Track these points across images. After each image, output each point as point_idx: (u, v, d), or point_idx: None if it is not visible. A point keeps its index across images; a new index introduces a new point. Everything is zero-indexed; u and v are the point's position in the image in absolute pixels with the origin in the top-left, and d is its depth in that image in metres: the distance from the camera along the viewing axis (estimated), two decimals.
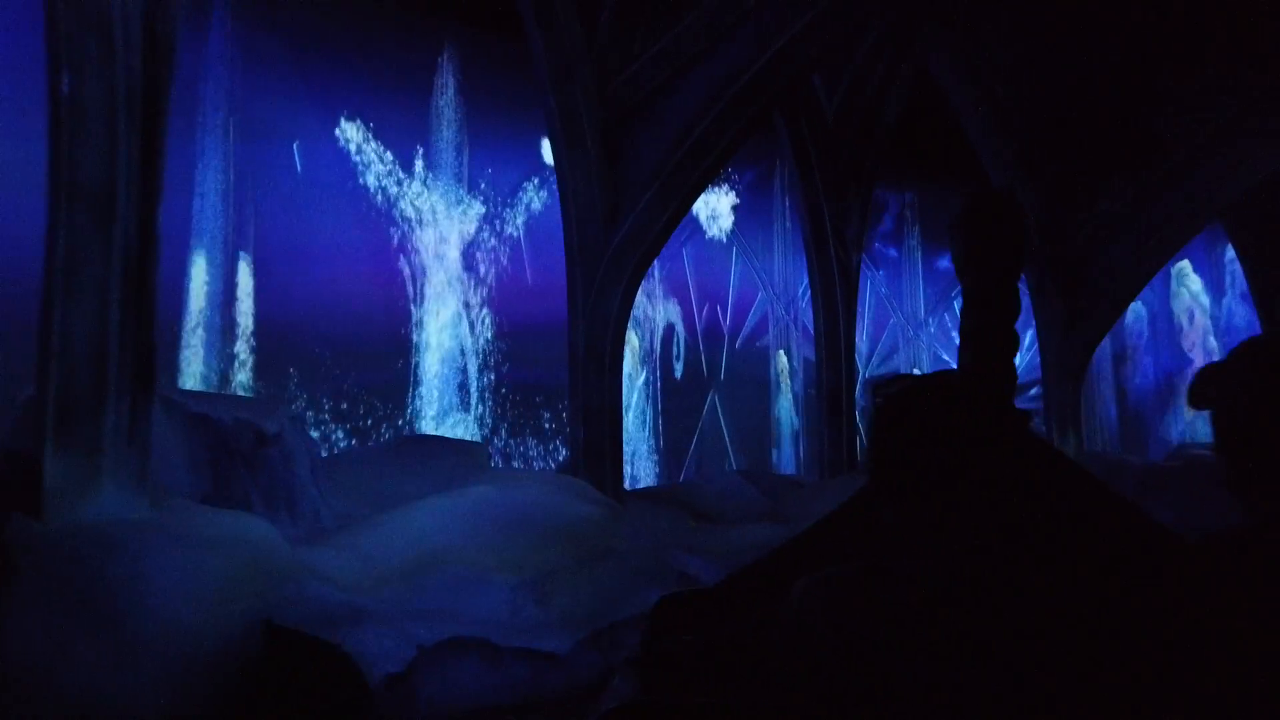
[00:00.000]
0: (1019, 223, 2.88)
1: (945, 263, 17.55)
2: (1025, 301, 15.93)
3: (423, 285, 10.44)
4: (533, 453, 10.82)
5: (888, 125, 11.09)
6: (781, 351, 15.40)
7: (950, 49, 11.81)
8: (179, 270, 8.12)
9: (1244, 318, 16.67)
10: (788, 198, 13.50)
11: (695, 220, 13.38)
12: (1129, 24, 11.06)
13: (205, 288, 8.43)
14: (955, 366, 3.04)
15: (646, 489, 9.76)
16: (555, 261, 7.95)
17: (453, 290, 10.62)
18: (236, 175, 9.22)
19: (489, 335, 10.72)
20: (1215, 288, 17.87)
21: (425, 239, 10.59)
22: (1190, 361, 17.55)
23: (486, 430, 10.46)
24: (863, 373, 17.37)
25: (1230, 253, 16.23)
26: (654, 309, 12.68)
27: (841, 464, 9.73)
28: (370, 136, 10.29)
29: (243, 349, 8.56)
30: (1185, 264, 17.72)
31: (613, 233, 7.36)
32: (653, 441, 12.57)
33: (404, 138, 10.66)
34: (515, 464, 10.32)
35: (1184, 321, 18.14)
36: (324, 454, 7.45)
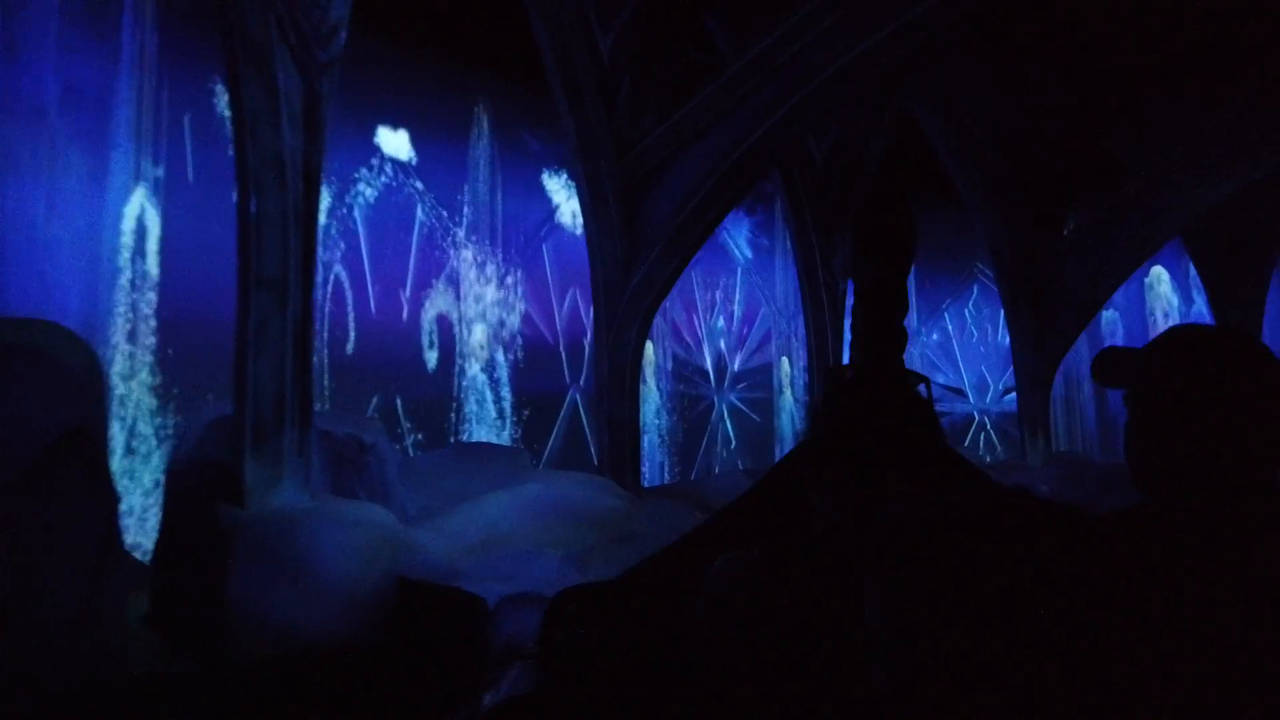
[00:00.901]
0: (909, 222, 2.93)
1: (936, 277, 19.27)
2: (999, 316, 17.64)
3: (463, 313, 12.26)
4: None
5: (871, 165, 12.79)
6: (785, 359, 17.14)
7: (928, 94, 13.48)
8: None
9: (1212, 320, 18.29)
10: (788, 228, 15.21)
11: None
12: (1092, 62, 12.63)
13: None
14: (923, 372, 3.08)
15: (661, 486, 11.54)
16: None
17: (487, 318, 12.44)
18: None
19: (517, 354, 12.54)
20: (1184, 294, 19.46)
21: (464, 273, 12.41)
22: None
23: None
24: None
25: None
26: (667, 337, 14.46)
27: None
28: (415, 176, 12.11)
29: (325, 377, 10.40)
30: (1158, 270, 19.27)
31: (630, 278, 9.14)
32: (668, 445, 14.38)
33: (446, 180, 12.47)
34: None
35: (1159, 325, 19.74)
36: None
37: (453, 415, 11.77)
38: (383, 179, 11.89)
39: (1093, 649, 0.99)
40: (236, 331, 5.78)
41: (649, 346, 13.45)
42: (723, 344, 15.81)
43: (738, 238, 15.61)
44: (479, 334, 12.51)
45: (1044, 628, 0.99)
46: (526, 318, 13.04)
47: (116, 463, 7.61)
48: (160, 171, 8.74)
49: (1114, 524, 1.17)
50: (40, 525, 3.49)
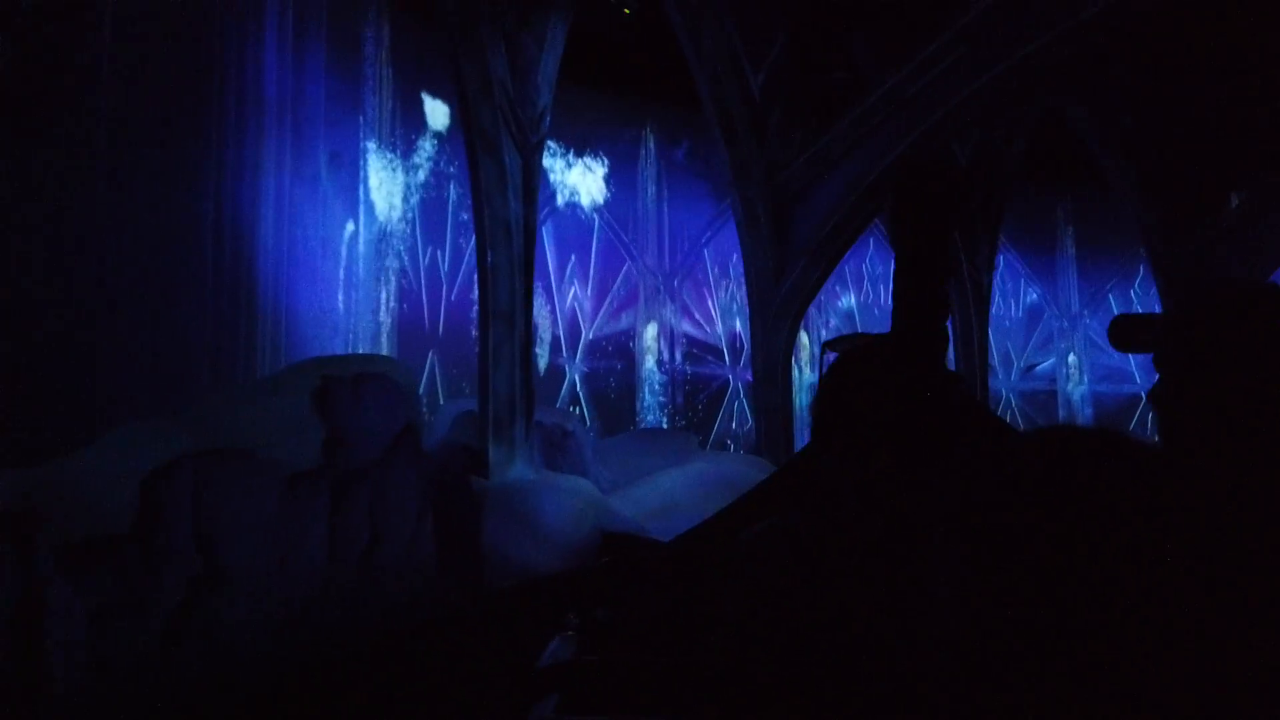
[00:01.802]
0: (950, 189, 3.08)
1: (1100, 258, 19.70)
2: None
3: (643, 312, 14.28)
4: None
5: (1013, 166, 13.81)
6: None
7: (1077, 91, 14.24)
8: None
9: None
10: None
11: None
12: (1241, 56, 13.03)
13: None
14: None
15: None
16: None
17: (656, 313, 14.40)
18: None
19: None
20: None
21: (637, 278, 14.39)
22: None
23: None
24: (1017, 365, 19.94)
25: None
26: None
27: None
28: (594, 193, 14.17)
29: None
30: None
31: (780, 286, 10.80)
32: None
33: (620, 196, 14.47)
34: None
35: None
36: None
37: (632, 404, 13.82)
38: (569, 198, 14.04)
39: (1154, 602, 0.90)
40: (479, 350, 7.94)
41: (803, 336, 14.98)
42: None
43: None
44: (650, 332, 14.50)
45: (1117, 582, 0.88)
46: (690, 315, 14.91)
47: None
48: (397, 216, 11.18)
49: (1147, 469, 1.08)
50: (389, 486, 5.66)
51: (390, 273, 11.42)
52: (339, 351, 10.31)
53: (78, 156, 6.34)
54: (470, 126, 7.70)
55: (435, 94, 11.78)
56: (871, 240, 15.78)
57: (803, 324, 11.61)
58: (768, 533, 1.47)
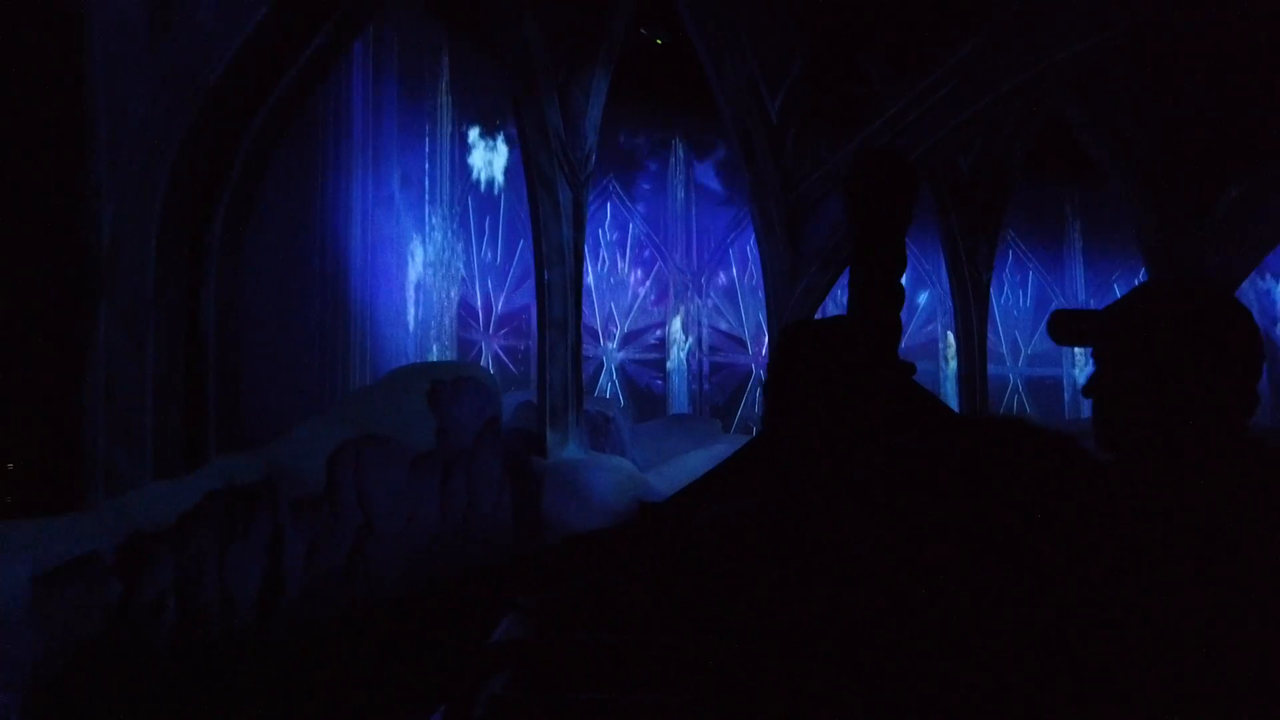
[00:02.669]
0: (907, 179, 2.99)
1: (1107, 249, 21.08)
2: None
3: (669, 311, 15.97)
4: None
5: (1015, 171, 15.27)
6: (950, 333, 19.78)
7: (1075, 92, 15.54)
8: None
9: None
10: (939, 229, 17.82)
11: None
12: (1234, 58, 14.19)
13: None
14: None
15: None
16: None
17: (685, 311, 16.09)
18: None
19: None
20: None
21: (668, 276, 16.05)
22: None
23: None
24: (1024, 349, 21.43)
25: None
26: None
27: None
28: (629, 199, 15.83)
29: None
30: None
31: (794, 288, 12.42)
32: None
33: (651, 201, 16.11)
34: None
35: None
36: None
37: (663, 392, 15.55)
38: (609, 204, 15.71)
39: (1084, 599, 0.91)
40: (538, 352, 9.70)
41: None
42: None
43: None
44: (679, 324, 16.19)
45: (1039, 571, 0.89)
46: (716, 309, 16.56)
47: None
48: (454, 230, 12.94)
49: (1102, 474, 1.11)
50: (479, 465, 7.42)
51: (451, 280, 13.19)
52: (410, 349, 12.14)
53: None
54: (530, 167, 9.41)
55: (487, 120, 13.48)
56: None
57: None
58: (724, 514, 1.49)
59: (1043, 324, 21.43)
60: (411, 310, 12.45)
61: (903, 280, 2.96)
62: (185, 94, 4.72)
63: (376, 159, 11.85)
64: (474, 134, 13.37)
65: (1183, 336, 1.24)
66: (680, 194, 16.33)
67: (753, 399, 16.57)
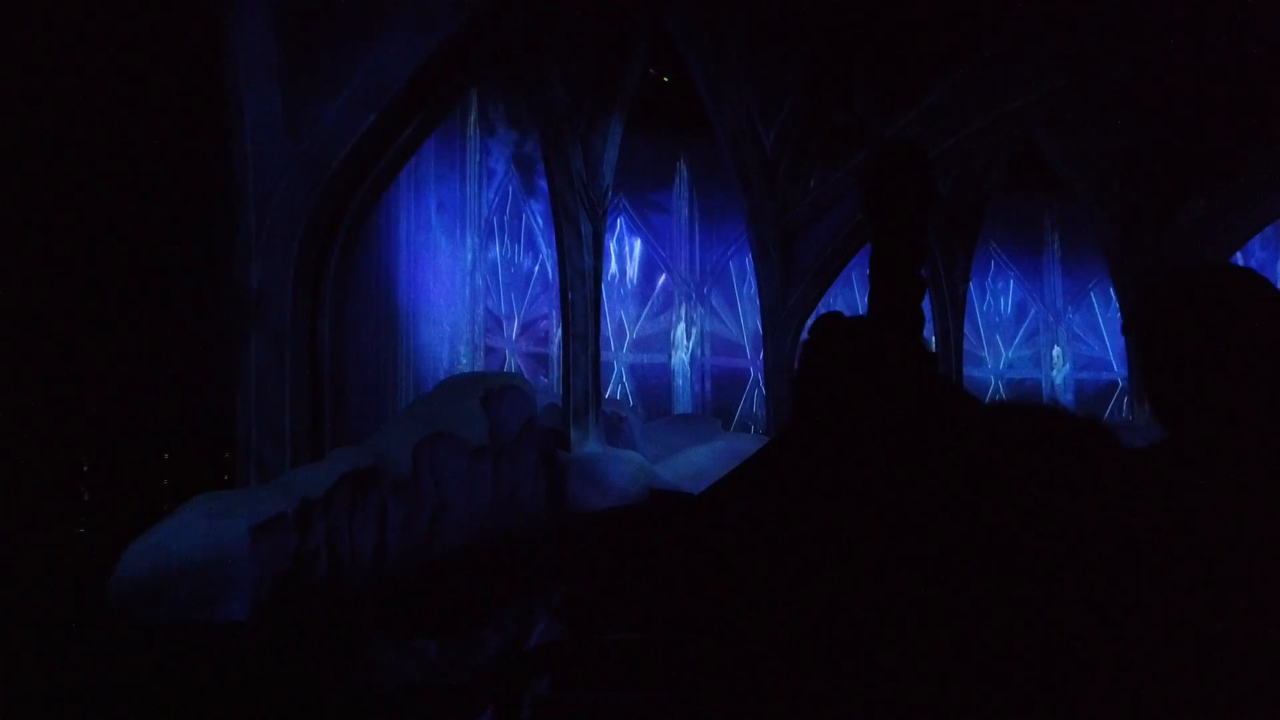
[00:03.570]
0: (925, 173, 2.91)
1: (1084, 259, 22.80)
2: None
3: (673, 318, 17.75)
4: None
5: (989, 192, 16.99)
6: (931, 339, 21.42)
7: (1045, 118, 17.20)
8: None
9: None
10: None
11: None
12: (1194, 84, 15.70)
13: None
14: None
15: None
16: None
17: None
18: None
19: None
20: None
21: (672, 287, 17.82)
22: None
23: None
24: (1005, 353, 23.20)
25: None
26: None
27: None
28: (638, 217, 17.57)
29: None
30: None
31: (786, 301, 14.18)
32: None
33: (658, 219, 17.86)
34: None
35: None
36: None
37: (669, 392, 17.35)
38: (620, 221, 17.47)
39: (1113, 586, 0.89)
40: (562, 361, 11.47)
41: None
42: None
43: None
44: (683, 331, 17.96)
45: (1061, 562, 0.86)
46: (717, 316, 18.32)
47: None
48: (490, 253, 14.74)
49: (1138, 460, 1.12)
50: (520, 457, 9.22)
51: (477, 292, 14.98)
52: (444, 354, 13.93)
53: None
54: (556, 205, 11.19)
55: (510, 150, 15.25)
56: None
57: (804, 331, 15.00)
58: (752, 513, 1.50)
59: (1022, 329, 23.19)
60: (445, 319, 14.23)
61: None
62: (312, 181, 6.48)
63: (417, 190, 13.63)
64: (497, 163, 15.14)
65: (1224, 315, 1.27)
66: (685, 212, 18.09)
67: (750, 399, 18.33)
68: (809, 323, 15.56)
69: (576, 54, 10.95)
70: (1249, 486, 1.14)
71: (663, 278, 17.94)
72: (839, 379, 1.47)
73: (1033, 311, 22.98)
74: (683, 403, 17.25)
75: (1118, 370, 23.28)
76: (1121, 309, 18.01)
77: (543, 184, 12.88)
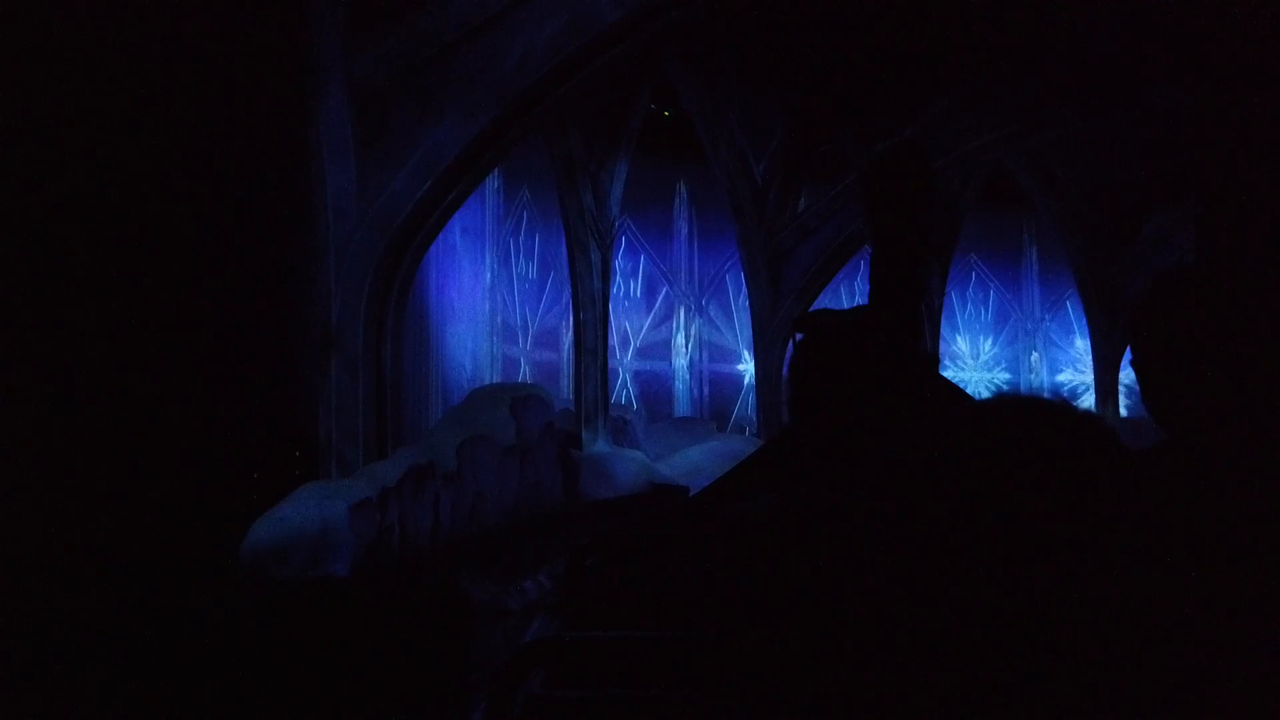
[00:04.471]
0: (925, 172, 3.10)
1: (1059, 271, 24.52)
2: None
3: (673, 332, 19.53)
4: None
5: (962, 214, 18.72)
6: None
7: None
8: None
9: None
10: None
11: None
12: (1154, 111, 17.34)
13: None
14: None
15: None
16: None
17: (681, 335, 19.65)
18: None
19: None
20: None
21: (672, 300, 19.60)
22: None
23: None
24: (984, 358, 24.92)
25: None
26: None
27: None
28: (639, 234, 19.32)
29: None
30: None
31: (775, 316, 15.94)
32: None
33: (658, 236, 19.62)
34: None
35: None
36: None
37: (670, 396, 19.15)
38: (623, 238, 19.22)
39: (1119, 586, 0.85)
40: (574, 372, 13.26)
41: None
42: None
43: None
44: (682, 339, 19.74)
45: (1068, 561, 0.83)
46: (714, 326, 20.09)
47: None
48: (508, 270, 16.54)
49: (1138, 461, 1.06)
50: (542, 456, 11.02)
51: (495, 306, 16.77)
52: (466, 363, 15.71)
53: None
54: (569, 236, 12.98)
55: (525, 177, 17.03)
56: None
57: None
58: (751, 513, 1.52)
59: (1002, 335, 24.96)
60: (467, 332, 16.02)
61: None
62: (380, 235, 8.26)
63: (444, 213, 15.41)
64: (514, 188, 16.93)
65: (1219, 315, 1.27)
66: (684, 230, 19.87)
67: (745, 403, 20.10)
68: (799, 318, 17.22)
69: (589, 104, 12.71)
70: (1249, 486, 1.16)
71: (664, 290, 19.71)
72: (831, 377, 1.50)
73: (1012, 319, 24.78)
74: (682, 406, 19.04)
75: (1087, 372, 24.88)
76: (1089, 318, 19.79)
77: (554, 208, 14.69)
